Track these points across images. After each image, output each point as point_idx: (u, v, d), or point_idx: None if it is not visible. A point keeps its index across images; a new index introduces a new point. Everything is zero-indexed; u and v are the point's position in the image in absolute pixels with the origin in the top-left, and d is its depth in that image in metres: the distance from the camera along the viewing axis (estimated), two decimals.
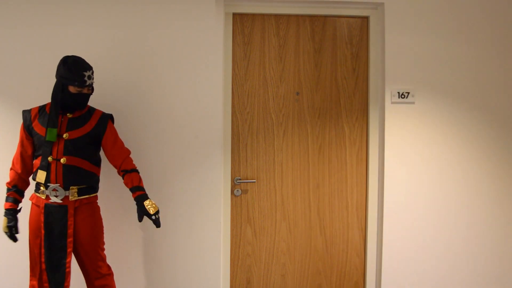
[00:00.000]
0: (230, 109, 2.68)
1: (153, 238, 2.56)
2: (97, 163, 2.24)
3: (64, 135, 2.10)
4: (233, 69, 2.68)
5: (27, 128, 2.15)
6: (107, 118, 2.24)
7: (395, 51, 2.63)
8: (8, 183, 2.18)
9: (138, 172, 2.24)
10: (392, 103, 2.64)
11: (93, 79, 2.14)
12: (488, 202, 2.70)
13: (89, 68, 2.12)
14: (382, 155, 2.67)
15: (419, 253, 2.67)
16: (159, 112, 2.54)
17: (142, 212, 2.12)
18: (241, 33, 2.69)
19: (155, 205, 2.14)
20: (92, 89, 2.18)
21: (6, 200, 2.16)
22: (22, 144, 2.18)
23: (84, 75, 2.08)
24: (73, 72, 2.06)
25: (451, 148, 2.67)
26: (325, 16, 2.72)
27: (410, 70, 2.64)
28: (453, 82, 2.66)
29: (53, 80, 2.17)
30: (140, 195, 2.15)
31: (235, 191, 2.70)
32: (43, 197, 2.09)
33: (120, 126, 2.50)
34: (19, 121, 2.31)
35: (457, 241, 2.69)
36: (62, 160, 2.07)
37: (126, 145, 2.42)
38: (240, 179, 2.69)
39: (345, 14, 2.71)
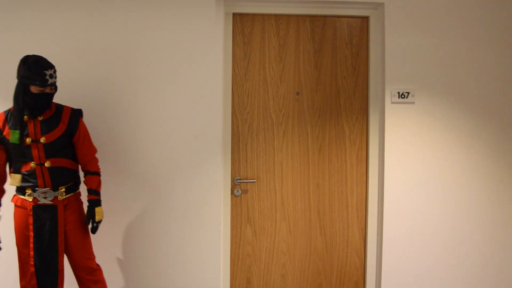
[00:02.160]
0: (230, 109, 2.68)
1: (153, 238, 2.56)
2: (77, 159, 2.25)
3: (42, 140, 2.06)
4: (233, 69, 2.68)
5: None
6: (78, 115, 2.20)
7: (395, 51, 2.63)
8: None
9: (100, 175, 2.27)
10: (392, 103, 2.64)
11: (55, 78, 2.06)
12: (488, 202, 2.70)
13: (51, 66, 2.04)
14: (382, 155, 2.67)
15: (419, 253, 2.67)
16: (159, 112, 2.54)
17: (90, 216, 2.17)
18: (241, 33, 2.69)
19: (102, 214, 2.22)
20: (56, 88, 2.10)
21: None
22: None
23: (46, 74, 2.00)
24: (34, 72, 1.98)
25: (451, 148, 2.67)
26: (325, 16, 2.72)
27: (410, 70, 2.64)
28: (453, 82, 2.66)
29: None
30: (93, 199, 2.20)
31: (235, 191, 2.70)
32: (30, 200, 2.08)
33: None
34: None
35: (457, 241, 2.69)
36: (46, 164, 2.06)
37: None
38: (240, 179, 2.69)
39: (345, 14, 2.71)
